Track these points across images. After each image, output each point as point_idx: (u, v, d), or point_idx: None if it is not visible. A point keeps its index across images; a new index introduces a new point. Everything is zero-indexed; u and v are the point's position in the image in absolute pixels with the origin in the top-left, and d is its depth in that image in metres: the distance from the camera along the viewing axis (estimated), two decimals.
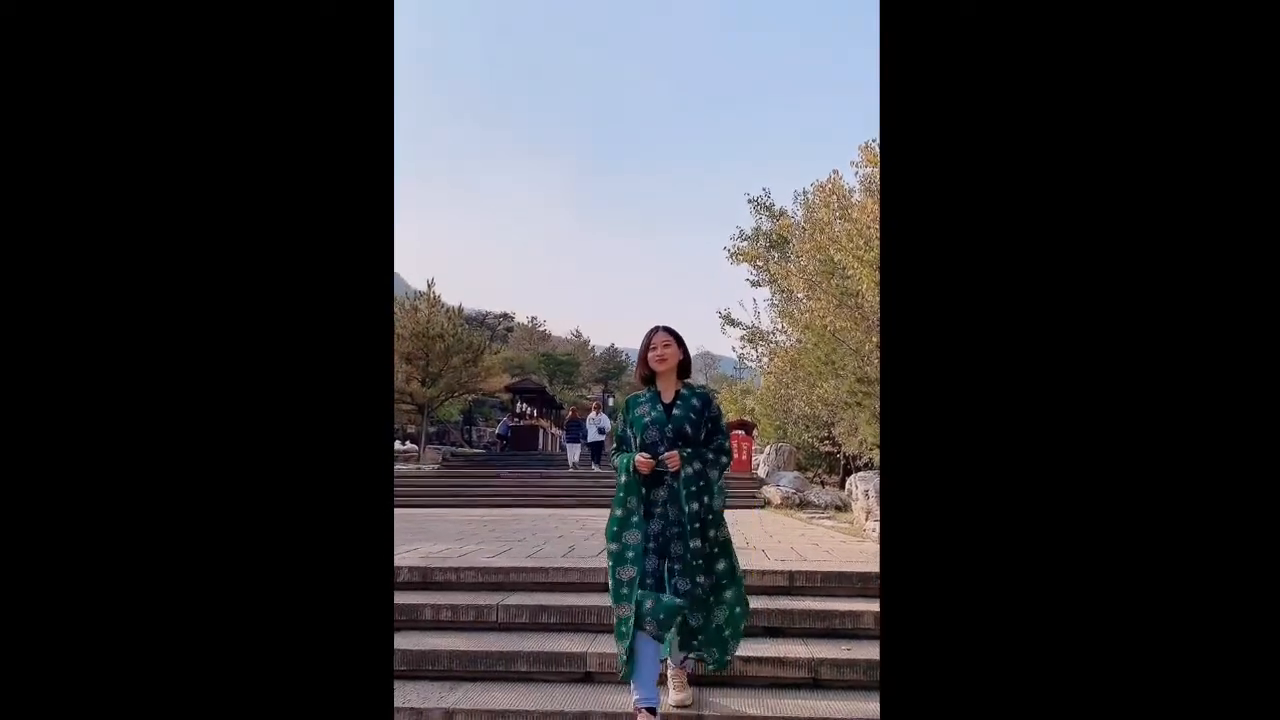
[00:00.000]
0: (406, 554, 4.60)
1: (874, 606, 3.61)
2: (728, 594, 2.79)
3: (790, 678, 3.14)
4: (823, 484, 12.37)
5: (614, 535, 2.79)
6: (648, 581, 2.68)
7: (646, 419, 2.82)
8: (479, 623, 3.60)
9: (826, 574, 3.96)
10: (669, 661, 2.86)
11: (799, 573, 3.96)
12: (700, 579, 2.68)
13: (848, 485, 8.63)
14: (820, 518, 8.68)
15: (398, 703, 2.94)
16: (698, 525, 2.71)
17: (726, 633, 2.79)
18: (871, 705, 2.91)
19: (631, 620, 2.66)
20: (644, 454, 2.73)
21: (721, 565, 2.79)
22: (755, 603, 3.68)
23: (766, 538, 5.96)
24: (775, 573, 3.98)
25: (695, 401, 2.86)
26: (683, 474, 2.72)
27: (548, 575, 4.05)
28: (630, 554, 2.72)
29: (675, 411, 2.81)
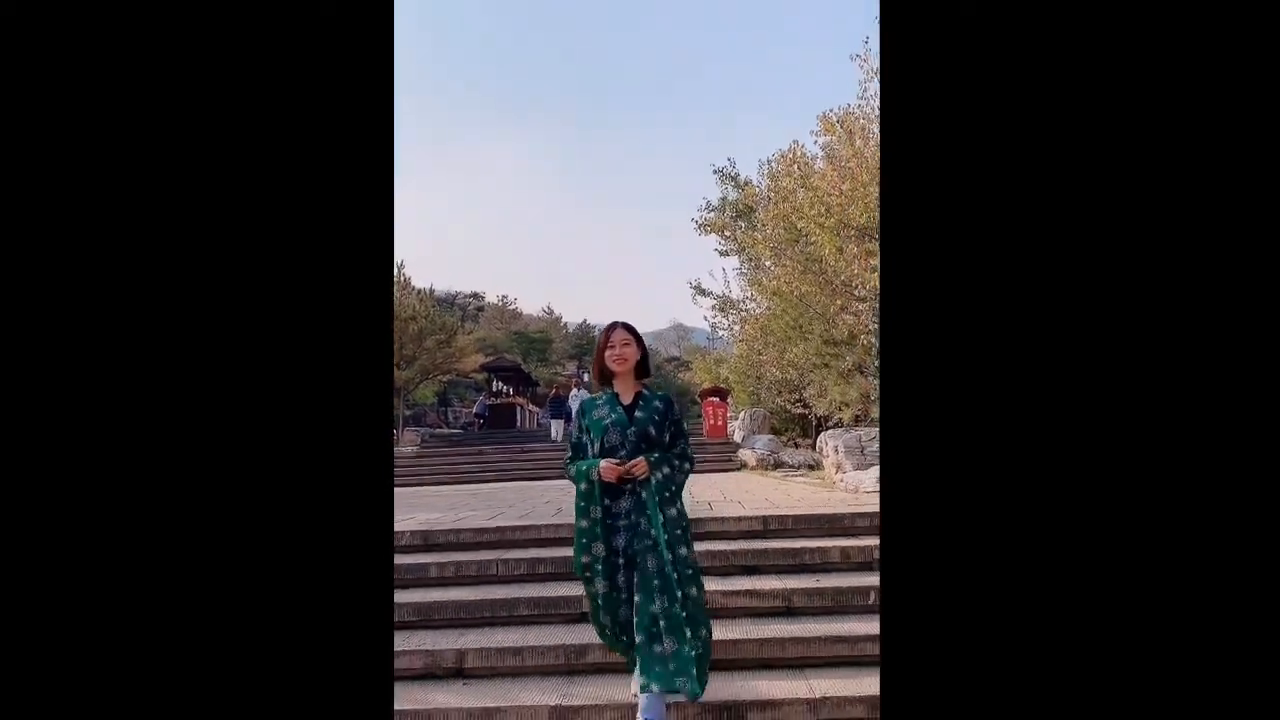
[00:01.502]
0: (405, 521, 4.88)
1: (840, 542, 3.99)
2: (702, 628, 2.54)
3: (766, 607, 3.50)
4: (796, 445, 12.80)
5: (584, 548, 2.61)
6: (621, 597, 2.56)
7: (606, 421, 2.63)
8: (481, 576, 3.91)
9: (797, 517, 4.33)
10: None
11: (772, 517, 4.32)
12: (681, 592, 2.46)
13: (818, 443, 9.04)
14: (794, 475, 9.09)
15: (411, 647, 3.24)
16: (678, 532, 2.54)
17: (700, 658, 2.50)
18: (837, 626, 3.28)
19: (625, 644, 2.61)
20: (609, 460, 2.55)
21: (694, 591, 2.56)
22: (732, 545, 4.05)
23: (743, 493, 6.34)
24: (751, 518, 4.34)
25: (658, 404, 2.68)
26: (653, 480, 2.53)
27: (540, 532, 4.36)
28: (600, 567, 2.57)
29: (638, 413, 2.63)
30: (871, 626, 3.22)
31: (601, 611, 2.64)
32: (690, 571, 2.55)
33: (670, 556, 2.48)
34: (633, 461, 2.53)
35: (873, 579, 3.58)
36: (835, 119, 8.26)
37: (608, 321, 2.78)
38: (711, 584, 3.62)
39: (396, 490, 9.69)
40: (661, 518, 2.51)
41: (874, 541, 3.97)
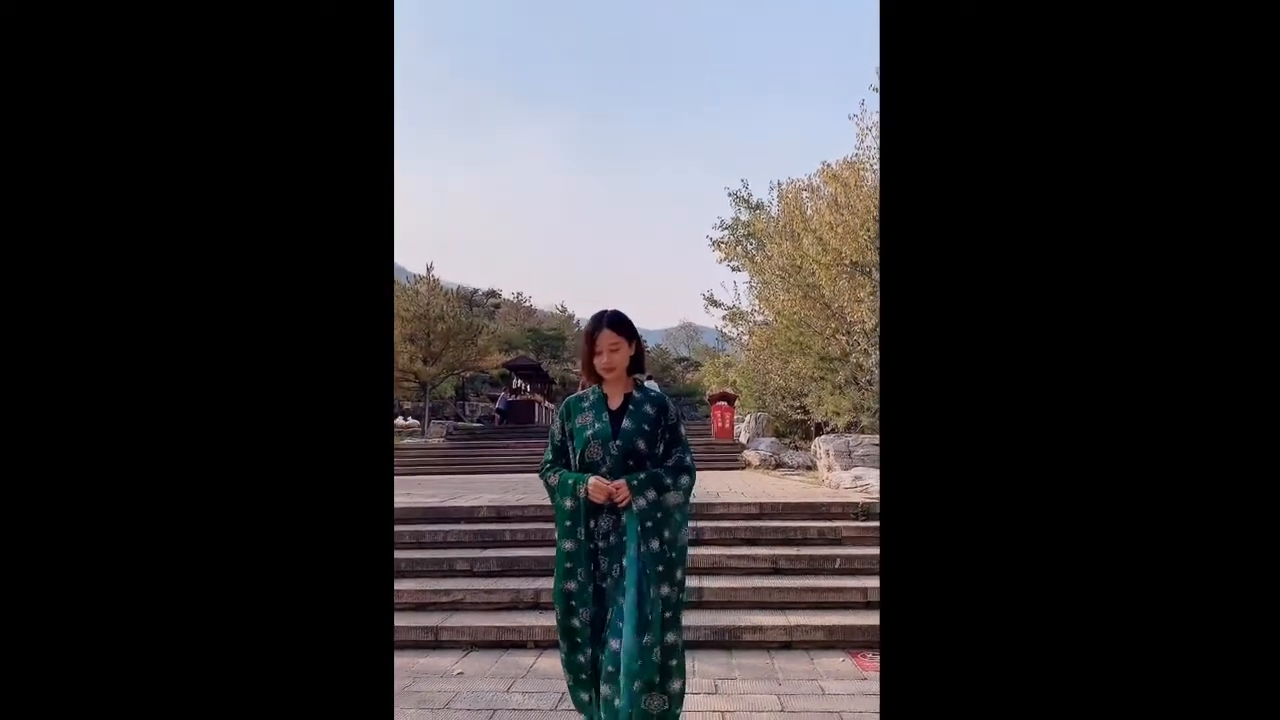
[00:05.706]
0: (476, 499, 6.15)
1: (818, 523, 5.23)
2: (674, 678, 2.26)
3: (758, 567, 4.75)
4: (797, 448, 13.98)
5: (568, 573, 2.31)
6: (599, 635, 2.25)
7: (589, 431, 2.34)
8: (544, 541, 5.15)
9: (786, 504, 5.59)
10: None
11: (767, 503, 5.59)
12: (669, 636, 2.21)
13: (813, 446, 10.26)
14: (792, 474, 10.31)
15: (501, 587, 4.49)
16: (660, 569, 2.22)
17: (677, 712, 2.28)
18: (810, 581, 4.52)
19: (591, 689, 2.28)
20: (598, 477, 2.26)
21: (670, 637, 2.23)
22: (735, 524, 5.29)
23: (746, 486, 7.59)
24: (750, 504, 5.60)
25: (649, 408, 2.37)
26: (634, 507, 2.23)
27: None
28: (588, 595, 2.27)
29: (625, 423, 2.33)
30: (834, 581, 4.48)
31: (583, 650, 2.29)
32: (669, 614, 2.24)
33: (645, 593, 2.18)
34: (616, 484, 2.24)
35: (839, 550, 4.83)
36: (834, 171, 9.50)
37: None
38: (717, 550, 4.86)
39: (437, 476, 11.01)
40: (638, 550, 2.22)
41: (843, 523, 5.22)
